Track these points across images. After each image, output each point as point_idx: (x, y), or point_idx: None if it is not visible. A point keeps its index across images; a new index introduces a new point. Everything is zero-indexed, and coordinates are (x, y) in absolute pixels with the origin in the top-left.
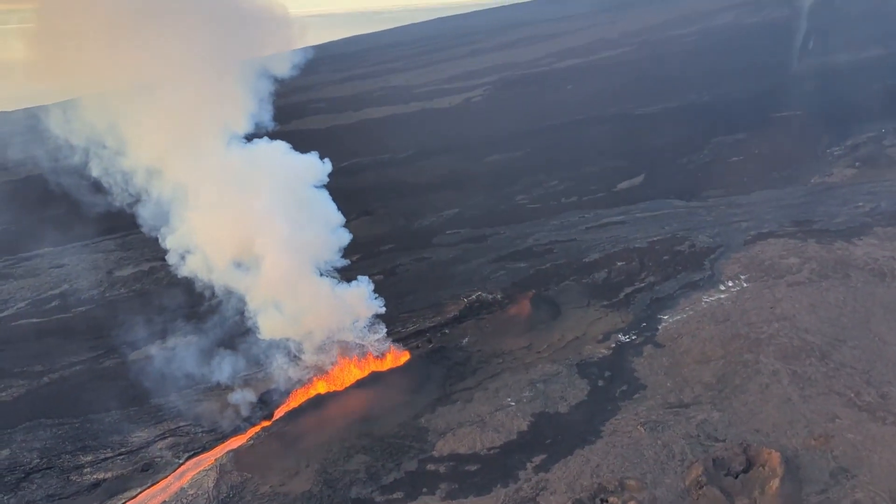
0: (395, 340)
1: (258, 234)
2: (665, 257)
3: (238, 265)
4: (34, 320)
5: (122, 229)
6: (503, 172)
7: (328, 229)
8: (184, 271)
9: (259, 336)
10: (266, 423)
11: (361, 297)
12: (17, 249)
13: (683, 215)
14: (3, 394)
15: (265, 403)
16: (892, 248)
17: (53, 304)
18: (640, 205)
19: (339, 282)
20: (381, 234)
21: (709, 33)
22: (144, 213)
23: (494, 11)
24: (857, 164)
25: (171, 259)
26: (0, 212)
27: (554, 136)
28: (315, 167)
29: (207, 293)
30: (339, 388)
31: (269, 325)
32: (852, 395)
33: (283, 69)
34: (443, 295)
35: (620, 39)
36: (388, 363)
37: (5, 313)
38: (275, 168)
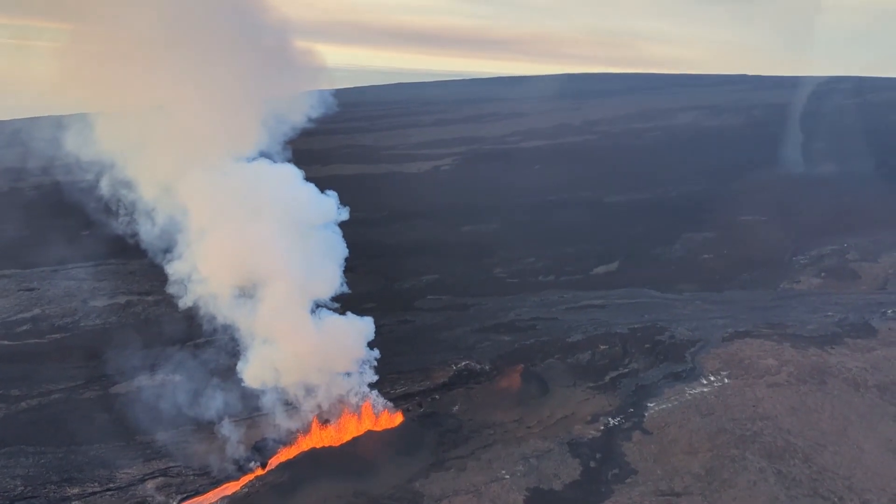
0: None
1: (259, 260)
2: (647, 345)
3: (238, 295)
4: (4, 342)
5: (95, 258)
6: (479, 243)
7: (331, 264)
8: (185, 301)
9: (245, 382)
10: (260, 472)
11: (362, 333)
12: None
13: (661, 306)
14: None
15: (259, 451)
16: (863, 359)
17: (25, 327)
18: (618, 291)
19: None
20: (363, 293)
21: (670, 131)
22: (149, 237)
23: (454, 84)
24: (822, 274)
25: (172, 288)
26: None
27: (526, 214)
28: (324, 203)
29: (201, 328)
30: (335, 444)
31: (258, 367)
32: (836, 499)
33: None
34: (430, 360)
35: (583, 127)
36: (383, 423)
37: None
38: (281, 193)
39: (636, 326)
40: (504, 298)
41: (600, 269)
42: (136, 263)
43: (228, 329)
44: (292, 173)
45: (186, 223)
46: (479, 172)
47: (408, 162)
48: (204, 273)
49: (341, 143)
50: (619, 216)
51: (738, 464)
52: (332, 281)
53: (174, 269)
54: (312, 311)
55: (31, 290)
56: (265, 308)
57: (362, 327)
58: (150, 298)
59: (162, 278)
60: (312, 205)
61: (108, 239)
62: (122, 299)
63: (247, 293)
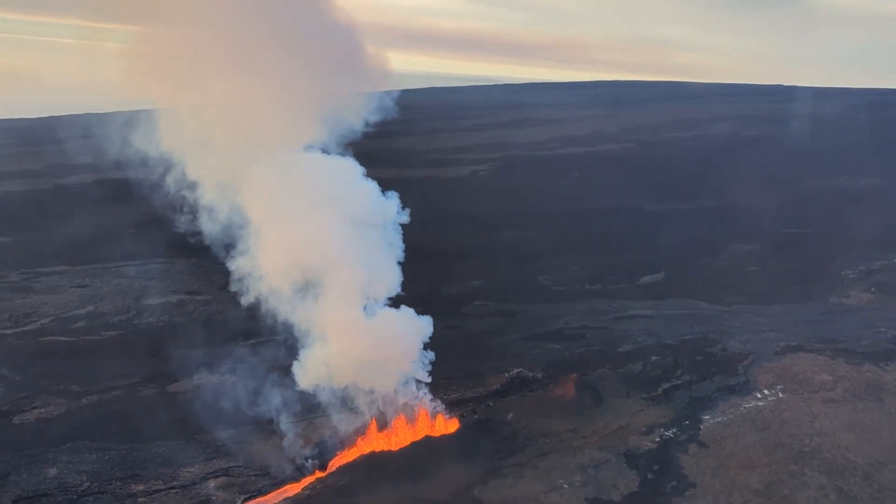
0: (436, 407)
1: (318, 254)
2: (698, 357)
3: (297, 290)
4: (62, 338)
5: (144, 257)
6: (521, 250)
7: (390, 262)
8: (247, 298)
9: (299, 384)
10: (321, 474)
11: (420, 331)
12: (33, 264)
13: (710, 317)
14: (43, 410)
15: (318, 452)
16: None
17: (80, 324)
18: (666, 301)
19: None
20: (409, 296)
21: (708, 141)
22: (212, 234)
23: (489, 90)
24: (872, 289)
25: (234, 286)
26: (16, 222)
27: (568, 221)
28: (386, 203)
29: (258, 326)
30: (393, 448)
31: (313, 368)
32: None
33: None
34: (481, 366)
35: (620, 135)
36: (440, 428)
37: (30, 327)
38: (343, 188)
39: (687, 338)
40: (551, 306)
41: (647, 279)
42: (182, 263)
43: (288, 326)
44: (354, 169)
45: (248, 217)
46: (517, 178)
47: (446, 166)
48: (264, 267)
49: (378, 147)
50: (662, 225)
51: (797, 480)
52: (391, 279)
53: (236, 265)
54: (367, 308)
55: (84, 286)
56: (323, 304)
57: (420, 326)
58: (200, 298)
59: (211, 278)
60: (374, 203)
61: (155, 238)
62: (173, 298)
63: (306, 289)
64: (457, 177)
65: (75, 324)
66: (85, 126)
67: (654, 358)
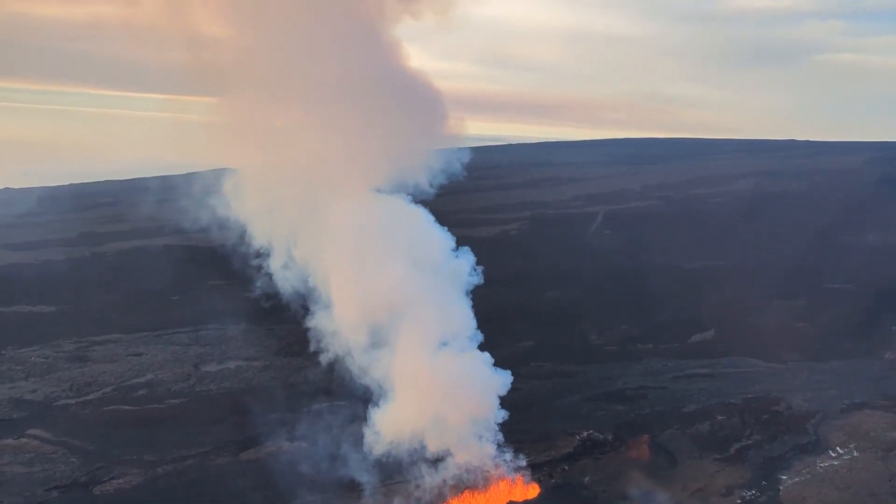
0: (514, 470)
1: (391, 303)
2: (764, 416)
3: (370, 347)
4: (125, 407)
5: (193, 323)
6: (566, 309)
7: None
8: (326, 357)
9: (372, 448)
10: None
11: (498, 385)
12: (85, 332)
13: (768, 375)
14: (121, 481)
15: None
16: None
17: (141, 392)
18: (721, 360)
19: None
20: None
21: (734, 197)
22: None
23: (507, 149)
24: None
25: (312, 345)
26: (62, 290)
27: (607, 279)
28: (459, 263)
29: (326, 390)
30: None
31: (387, 424)
32: None
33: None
34: (551, 429)
35: (644, 192)
36: (520, 493)
37: (91, 397)
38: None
39: (749, 396)
40: (606, 366)
41: (697, 337)
42: (234, 329)
43: (361, 384)
44: (428, 218)
45: (320, 269)
46: (548, 237)
47: (475, 226)
48: (338, 320)
49: None
50: (703, 283)
51: None
52: (465, 322)
53: (314, 322)
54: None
55: (139, 354)
56: (395, 355)
57: (498, 379)
58: (258, 363)
59: (265, 343)
60: (447, 256)
61: (206, 304)
62: (231, 364)
63: (378, 343)
64: (488, 237)
65: (137, 392)
66: (128, 192)
67: (720, 417)
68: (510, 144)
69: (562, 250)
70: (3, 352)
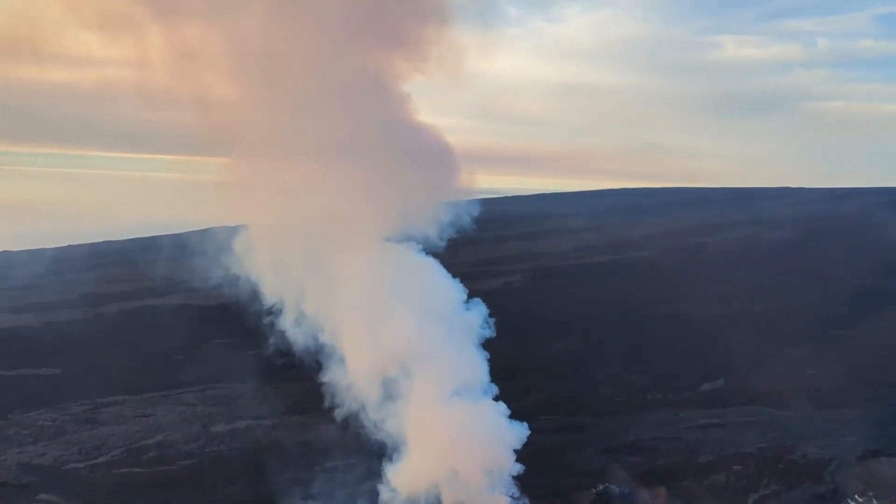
0: None
1: (406, 354)
2: (780, 465)
3: (387, 397)
4: (136, 470)
5: (199, 383)
6: (573, 361)
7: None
8: (341, 413)
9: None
10: None
11: (513, 437)
12: (92, 394)
13: (781, 424)
14: None
15: None
16: None
17: (151, 454)
18: (733, 409)
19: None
20: None
21: (734, 245)
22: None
23: (503, 201)
24: None
25: (327, 400)
26: (65, 353)
27: (613, 329)
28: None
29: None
30: None
31: (401, 480)
32: None
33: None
34: (565, 483)
35: (643, 242)
36: None
37: (100, 460)
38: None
39: (764, 445)
40: (617, 417)
41: (707, 386)
42: (240, 388)
43: (376, 441)
44: (440, 269)
45: (333, 325)
46: (551, 288)
47: (476, 279)
48: (352, 371)
49: None
50: (708, 331)
51: None
52: (478, 372)
53: (328, 377)
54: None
55: (147, 416)
56: (407, 406)
57: (514, 432)
58: (267, 422)
59: (272, 402)
60: (459, 312)
61: (210, 364)
62: (240, 424)
63: (393, 396)
64: (490, 289)
65: (147, 454)
66: (138, 251)
67: (735, 467)
68: (506, 196)
69: (565, 301)
70: (10, 416)
